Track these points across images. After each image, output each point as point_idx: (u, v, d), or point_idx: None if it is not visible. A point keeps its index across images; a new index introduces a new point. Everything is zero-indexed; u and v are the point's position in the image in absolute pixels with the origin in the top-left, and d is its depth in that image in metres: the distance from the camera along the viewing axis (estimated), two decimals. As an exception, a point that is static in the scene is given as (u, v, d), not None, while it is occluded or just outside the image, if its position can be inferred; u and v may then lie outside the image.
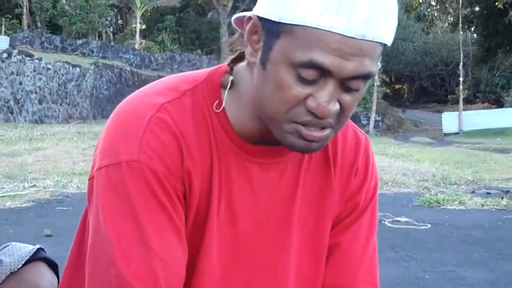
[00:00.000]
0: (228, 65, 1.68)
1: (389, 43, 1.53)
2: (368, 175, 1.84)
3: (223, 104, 1.66)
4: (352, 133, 1.84)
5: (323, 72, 1.43)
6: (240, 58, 1.68)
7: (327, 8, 1.40)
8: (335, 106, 1.48)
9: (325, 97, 1.46)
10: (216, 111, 1.66)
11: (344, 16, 1.40)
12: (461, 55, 41.79)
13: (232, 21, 1.63)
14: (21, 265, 2.19)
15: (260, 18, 1.50)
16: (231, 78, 1.65)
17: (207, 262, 1.69)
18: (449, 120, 39.12)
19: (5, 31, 42.04)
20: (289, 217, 1.75)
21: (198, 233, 1.68)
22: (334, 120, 1.52)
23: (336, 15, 1.40)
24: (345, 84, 1.46)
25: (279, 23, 1.45)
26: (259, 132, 1.65)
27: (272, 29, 1.48)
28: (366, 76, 1.48)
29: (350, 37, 1.41)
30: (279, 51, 1.47)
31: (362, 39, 1.43)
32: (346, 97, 1.49)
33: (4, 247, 2.29)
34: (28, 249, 2.27)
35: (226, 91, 1.66)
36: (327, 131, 1.53)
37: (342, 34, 1.41)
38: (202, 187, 1.65)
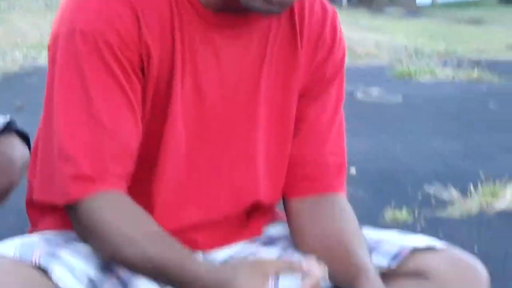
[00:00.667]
0: None
1: None
2: (335, 47, 1.82)
3: None
4: (319, 6, 1.82)
5: None
6: None
7: None
8: None
9: None
10: None
11: None
12: None
13: None
14: None
15: None
16: None
17: (173, 135, 1.69)
18: (423, -9, 38.85)
19: None
20: (256, 91, 1.75)
21: (162, 105, 1.68)
22: None
23: None
24: None
25: None
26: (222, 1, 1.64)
27: None
28: None
29: None
30: None
31: None
32: None
33: None
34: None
35: None
36: None
37: None
38: (162, 59, 1.65)
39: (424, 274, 1.65)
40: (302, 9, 1.78)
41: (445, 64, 10.20)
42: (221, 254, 1.84)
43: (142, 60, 1.62)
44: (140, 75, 1.63)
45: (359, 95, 7.35)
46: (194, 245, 1.77)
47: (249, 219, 1.89)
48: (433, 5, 36.95)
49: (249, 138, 1.78)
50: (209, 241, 1.81)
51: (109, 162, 1.59)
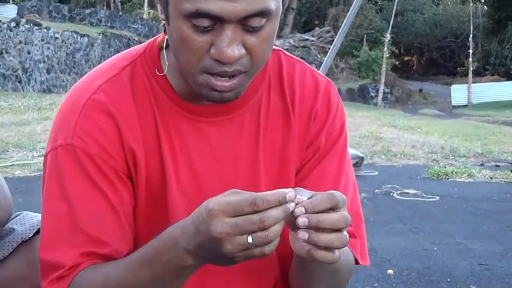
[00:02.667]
0: (164, 29, 1.66)
1: None
2: (330, 118, 1.79)
3: (164, 67, 1.67)
4: (311, 78, 1.81)
5: (215, 18, 1.43)
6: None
7: None
8: (239, 50, 1.47)
9: (223, 42, 1.45)
10: (159, 74, 1.67)
11: None
12: (471, 27, 41.56)
13: None
14: (32, 234, 2.20)
15: None
16: (166, 37, 1.64)
17: None
18: (458, 93, 38.95)
19: (13, 0, 41.95)
20: (255, 170, 1.75)
21: (160, 203, 1.69)
22: (246, 65, 1.51)
23: None
24: (244, 25, 1.46)
25: None
26: None
27: None
28: (262, 13, 1.46)
29: None
30: (173, 5, 1.48)
31: None
32: (251, 39, 1.49)
33: (16, 216, 2.30)
34: (39, 218, 2.28)
35: (164, 51, 1.67)
36: (237, 79, 1.53)
37: None
38: (150, 160, 1.67)
39: None
40: (292, 81, 1.77)
41: (482, 164, 10.15)
42: None
43: (127, 165, 1.66)
44: (127, 180, 1.67)
45: (396, 194, 7.30)
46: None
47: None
48: (468, 105, 36.96)
49: None
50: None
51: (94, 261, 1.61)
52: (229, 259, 1.36)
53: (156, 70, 1.68)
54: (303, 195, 1.39)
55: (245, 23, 1.45)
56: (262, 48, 1.52)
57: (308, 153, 1.79)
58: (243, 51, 1.48)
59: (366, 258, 1.83)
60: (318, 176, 1.79)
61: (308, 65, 1.85)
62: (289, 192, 1.33)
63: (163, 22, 1.63)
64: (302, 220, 1.34)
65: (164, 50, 1.68)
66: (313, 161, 1.79)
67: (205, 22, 1.44)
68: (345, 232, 1.36)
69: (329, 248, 1.36)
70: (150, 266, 1.49)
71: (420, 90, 41.16)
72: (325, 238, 1.34)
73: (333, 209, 1.36)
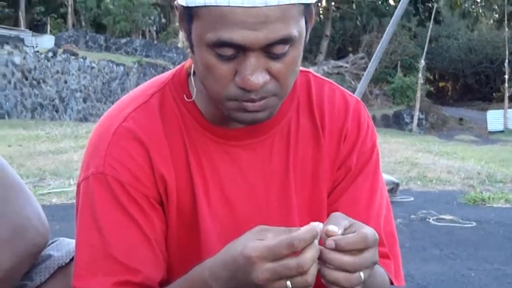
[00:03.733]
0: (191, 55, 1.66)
1: (306, 0, 1.49)
2: (360, 137, 1.78)
3: (192, 93, 1.68)
4: (341, 98, 1.80)
5: (238, 47, 1.44)
6: None
7: None
8: (264, 78, 1.47)
9: (247, 70, 1.45)
10: (187, 100, 1.67)
11: None
12: (507, 52, 41.30)
13: (175, 7, 1.61)
14: (69, 260, 2.21)
15: (180, 5, 1.51)
16: (193, 65, 1.64)
17: (211, 253, 1.64)
18: (494, 118, 38.69)
19: (50, 30, 42.62)
20: (286, 192, 1.74)
21: (193, 228, 1.70)
22: (273, 90, 1.51)
23: None
24: (268, 52, 1.46)
25: (188, 7, 1.47)
26: (226, 116, 1.63)
27: (187, 14, 1.49)
28: (284, 40, 1.46)
29: (252, 7, 1.41)
30: (196, 35, 1.48)
31: (265, 6, 1.41)
32: (275, 65, 1.48)
33: (52, 242, 2.31)
34: (74, 244, 2.30)
35: (192, 76, 1.68)
36: (265, 101, 1.52)
37: (242, 6, 1.40)
38: (181, 186, 1.67)
39: None
40: (321, 104, 1.77)
41: (520, 190, 10.06)
42: None
43: (159, 192, 1.67)
44: (158, 206, 1.68)
45: (431, 220, 7.24)
46: None
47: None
48: (505, 131, 36.68)
49: None
50: None
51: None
52: None
53: (185, 96, 1.69)
54: (339, 224, 1.40)
55: (268, 50, 1.46)
56: (287, 73, 1.51)
57: (340, 174, 1.78)
58: (268, 77, 1.48)
59: (401, 278, 1.82)
60: (352, 197, 1.78)
61: (337, 85, 1.85)
62: (319, 226, 1.36)
63: (186, 47, 1.65)
64: (329, 244, 1.36)
65: (192, 76, 1.69)
66: (346, 182, 1.78)
67: (228, 51, 1.45)
68: (357, 274, 1.37)
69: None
70: None
71: (461, 119, 40.84)
72: (332, 275, 1.37)
73: (362, 250, 1.37)
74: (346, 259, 1.35)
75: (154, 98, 1.70)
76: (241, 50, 1.45)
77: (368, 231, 1.38)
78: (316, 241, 1.35)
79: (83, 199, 1.66)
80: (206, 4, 1.42)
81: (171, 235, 1.71)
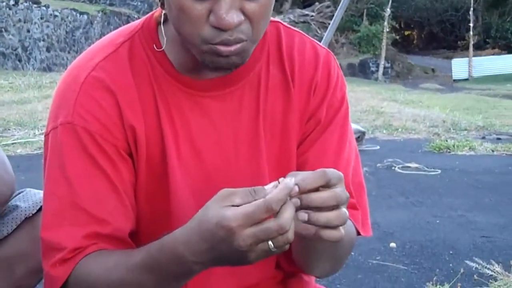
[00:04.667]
0: (161, 4, 1.65)
1: None
2: (330, 89, 1.78)
3: (162, 42, 1.67)
4: (311, 49, 1.79)
5: None
6: None
7: None
8: (238, 17, 1.47)
9: (222, 9, 1.45)
10: (157, 50, 1.67)
11: None
12: (472, 0, 41.41)
13: None
14: (36, 210, 2.21)
15: None
16: (163, 12, 1.64)
17: (180, 205, 1.70)
18: (459, 67, 38.88)
19: (12, -22, 41.76)
20: (256, 144, 1.74)
21: (162, 179, 1.69)
22: (247, 32, 1.51)
23: None
24: None
25: None
26: (198, 64, 1.63)
27: None
28: None
29: None
30: None
31: None
32: (250, 5, 1.48)
33: (19, 193, 2.30)
34: (41, 195, 2.29)
35: (161, 26, 1.67)
36: (240, 45, 1.51)
37: None
38: (150, 136, 1.67)
39: None
40: (291, 54, 1.76)
41: (483, 137, 10.15)
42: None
43: (128, 142, 1.65)
44: (128, 157, 1.66)
45: (397, 168, 7.30)
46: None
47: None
48: (469, 79, 36.93)
49: None
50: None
51: (96, 241, 1.61)
52: (249, 262, 1.38)
53: (154, 46, 1.67)
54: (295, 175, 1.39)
55: None
56: (261, 14, 1.51)
57: (309, 126, 1.77)
58: (242, 17, 1.48)
59: (369, 229, 1.82)
60: (320, 149, 1.77)
61: (308, 36, 1.84)
62: (291, 183, 1.34)
63: None
64: (294, 201, 1.34)
65: (162, 25, 1.67)
66: (315, 133, 1.78)
67: None
68: (343, 209, 1.37)
69: (331, 227, 1.36)
70: (153, 273, 1.50)
71: (426, 72, 40.95)
72: (323, 217, 1.35)
73: (326, 187, 1.36)
74: (325, 194, 1.34)
75: (123, 47, 1.68)
76: None
77: (326, 169, 1.38)
78: (292, 199, 1.35)
79: (51, 149, 1.65)
80: None
81: (140, 187, 1.70)
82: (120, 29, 1.75)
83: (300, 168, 1.77)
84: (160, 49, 1.67)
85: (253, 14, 1.49)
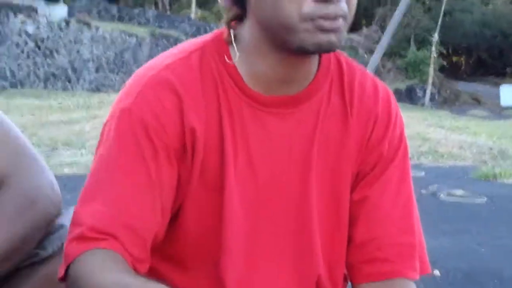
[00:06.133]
0: (227, 24, 1.70)
1: None
2: (391, 124, 1.79)
3: (234, 58, 1.68)
4: (371, 83, 1.82)
5: None
6: (237, 16, 1.70)
7: None
8: None
9: None
10: (228, 62, 1.68)
11: None
12: (521, 27, 41.10)
13: None
14: None
15: None
16: (232, 31, 1.68)
17: (232, 215, 1.70)
18: (508, 93, 38.48)
19: (64, 0, 42.44)
20: (307, 166, 1.75)
21: (216, 190, 1.69)
22: (345, 9, 1.54)
23: None
24: None
25: None
26: (274, 80, 1.67)
27: None
28: None
29: None
30: None
31: None
32: None
33: (64, 212, 2.33)
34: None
35: (233, 43, 1.69)
36: (340, 21, 1.54)
37: None
38: (210, 143, 1.67)
39: None
40: (351, 85, 1.79)
41: (531, 166, 10.03)
42: None
43: (184, 146, 1.66)
44: (174, 161, 1.66)
45: (443, 195, 7.25)
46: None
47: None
48: (517, 106, 36.49)
49: (304, 213, 1.77)
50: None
51: (117, 233, 1.60)
52: None
53: (226, 57, 1.69)
54: None
55: None
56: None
57: (370, 160, 1.79)
58: None
59: (427, 266, 1.86)
60: (382, 185, 1.79)
61: (369, 72, 1.86)
62: None
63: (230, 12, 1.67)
64: None
65: (233, 42, 1.70)
66: (377, 170, 1.79)
67: None
68: None
69: None
70: None
71: (474, 98, 40.60)
72: None
73: None
74: None
75: (195, 55, 1.70)
76: None
77: None
78: None
79: (107, 132, 1.67)
80: None
81: (190, 200, 1.71)
82: (189, 41, 1.78)
83: (360, 203, 1.80)
84: (231, 63, 1.70)
85: None
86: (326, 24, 1.52)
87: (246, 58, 1.68)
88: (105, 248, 1.57)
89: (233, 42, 1.69)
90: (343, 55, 1.84)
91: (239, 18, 1.70)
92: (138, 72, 1.72)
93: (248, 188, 1.72)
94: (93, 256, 1.56)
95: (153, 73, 1.67)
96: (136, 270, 1.61)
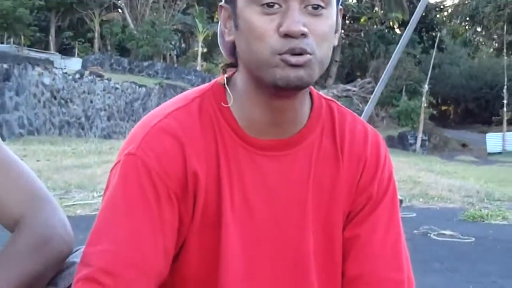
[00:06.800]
0: (223, 69, 1.76)
1: None
2: (380, 167, 1.80)
3: (229, 101, 1.71)
4: (361, 128, 1.83)
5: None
6: (232, 65, 1.74)
7: None
8: (304, 26, 1.53)
9: (292, 17, 1.52)
10: (224, 106, 1.70)
11: None
12: (506, 78, 41.26)
13: (217, 19, 1.75)
14: None
15: (225, 1, 1.62)
16: (225, 76, 1.72)
17: (229, 255, 1.70)
18: (493, 140, 38.55)
19: (78, 54, 42.91)
20: (303, 206, 1.75)
21: (215, 228, 1.69)
22: (311, 45, 1.56)
23: None
24: (307, 6, 1.54)
25: None
26: (265, 123, 1.68)
27: None
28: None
29: None
30: (241, 2, 1.57)
31: None
32: (311, 21, 1.55)
33: (76, 250, 2.32)
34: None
35: (226, 86, 1.72)
36: (307, 56, 1.56)
37: None
38: (209, 185, 1.68)
39: None
40: (342, 130, 1.79)
41: (515, 207, 10.01)
42: None
43: (186, 188, 1.66)
44: (175, 202, 1.66)
45: (433, 235, 7.22)
46: None
47: None
48: (503, 152, 36.56)
49: (301, 251, 1.76)
50: None
51: (122, 274, 1.59)
52: None
53: (222, 103, 1.71)
54: None
55: (308, 5, 1.54)
56: (322, 33, 1.58)
57: (361, 201, 1.79)
58: (306, 29, 1.53)
59: None
60: (372, 224, 1.79)
61: (359, 117, 1.88)
62: None
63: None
64: None
65: (226, 85, 1.73)
66: (367, 209, 1.79)
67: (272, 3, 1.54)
68: None
69: None
70: None
71: (462, 145, 40.59)
72: None
73: None
74: None
75: (195, 102, 1.73)
76: (284, 2, 1.53)
77: None
78: None
79: (113, 175, 1.68)
80: None
81: (193, 232, 1.71)
82: (192, 89, 1.82)
83: (351, 241, 1.79)
84: (227, 106, 1.71)
85: (315, 30, 1.56)
86: (293, 59, 1.55)
87: (239, 102, 1.71)
88: None
89: (227, 87, 1.72)
90: (335, 102, 1.86)
91: (234, 66, 1.74)
92: (143, 120, 1.73)
93: (245, 226, 1.72)
94: None
95: (156, 121, 1.69)
96: None
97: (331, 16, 1.59)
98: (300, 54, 1.55)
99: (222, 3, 1.64)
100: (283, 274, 1.77)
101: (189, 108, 1.72)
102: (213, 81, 1.78)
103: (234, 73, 1.75)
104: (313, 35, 1.56)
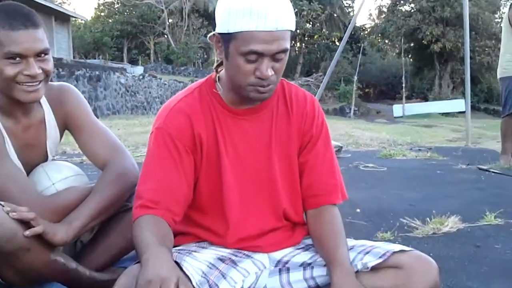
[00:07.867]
0: (215, 68, 1.73)
1: (293, 29, 1.53)
2: (315, 117, 1.78)
3: (218, 90, 1.69)
4: (302, 94, 1.81)
5: (259, 54, 1.49)
6: (221, 64, 1.69)
7: (252, 19, 1.45)
8: (271, 72, 1.52)
9: (264, 68, 1.51)
10: (216, 92, 1.69)
11: (262, 21, 1.45)
12: (403, 71, 41.01)
13: (208, 39, 1.64)
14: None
15: (220, 33, 1.55)
16: (217, 75, 1.71)
17: (228, 187, 1.69)
18: (397, 109, 38.35)
19: (141, 63, 42.38)
20: (270, 149, 1.73)
21: (216, 167, 1.69)
22: (274, 80, 1.56)
23: (257, 21, 1.45)
24: (274, 57, 1.51)
25: (228, 33, 1.50)
26: (239, 100, 1.67)
27: (226, 37, 1.53)
28: (284, 51, 1.52)
29: (269, 31, 1.47)
30: (233, 48, 1.52)
31: (276, 31, 1.47)
32: (276, 65, 1.54)
33: None
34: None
35: (217, 82, 1.70)
36: (270, 86, 1.56)
37: (264, 31, 1.46)
38: (210, 143, 1.67)
39: (399, 266, 1.58)
40: (290, 96, 1.77)
41: (411, 149, 10.01)
42: (278, 255, 1.80)
43: (195, 144, 1.65)
44: (191, 154, 1.66)
45: (361, 167, 7.23)
46: (260, 249, 1.74)
47: (292, 232, 1.85)
48: (403, 116, 36.46)
49: (272, 178, 1.75)
50: (268, 246, 1.78)
51: (162, 201, 1.59)
52: None
53: (214, 89, 1.70)
54: None
55: (274, 56, 1.51)
56: (280, 71, 1.56)
57: (306, 139, 1.78)
58: (272, 72, 1.53)
59: (345, 193, 1.86)
60: (315, 153, 1.79)
61: (300, 87, 1.87)
62: None
63: (219, 61, 1.66)
64: None
65: (218, 82, 1.70)
66: (310, 145, 1.78)
67: (253, 57, 1.50)
68: None
69: None
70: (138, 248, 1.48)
71: (378, 112, 40.43)
72: None
73: None
74: None
75: (196, 91, 1.72)
76: (260, 56, 1.49)
77: None
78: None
79: (149, 142, 1.68)
80: (242, 30, 1.47)
81: (202, 174, 1.71)
82: (194, 83, 1.79)
83: (303, 164, 1.80)
84: (217, 92, 1.69)
85: (277, 70, 1.54)
86: (262, 89, 1.56)
87: (225, 90, 1.69)
88: (153, 214, 1.58)
89: (217, 80, 1.71)
90: (285, 80, 1.84)
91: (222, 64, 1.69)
92: (165, 104, 1.72)
93: (236, 165, 1.72)
94: (143, 219, 1.57)
95: (173, 104, 1.69)
96: (174, 220, 1.61)
97: (287, 55, 1.55)
98: (267, 85, 1.55)
99: (216, 33, 1.56)
100: (261, 188, 1.77)
101: (193, 95, 1.71)
102: (207, 76, 1.76)
103: (221, 70, 1.71)
104: (276, 72, 1.54)
